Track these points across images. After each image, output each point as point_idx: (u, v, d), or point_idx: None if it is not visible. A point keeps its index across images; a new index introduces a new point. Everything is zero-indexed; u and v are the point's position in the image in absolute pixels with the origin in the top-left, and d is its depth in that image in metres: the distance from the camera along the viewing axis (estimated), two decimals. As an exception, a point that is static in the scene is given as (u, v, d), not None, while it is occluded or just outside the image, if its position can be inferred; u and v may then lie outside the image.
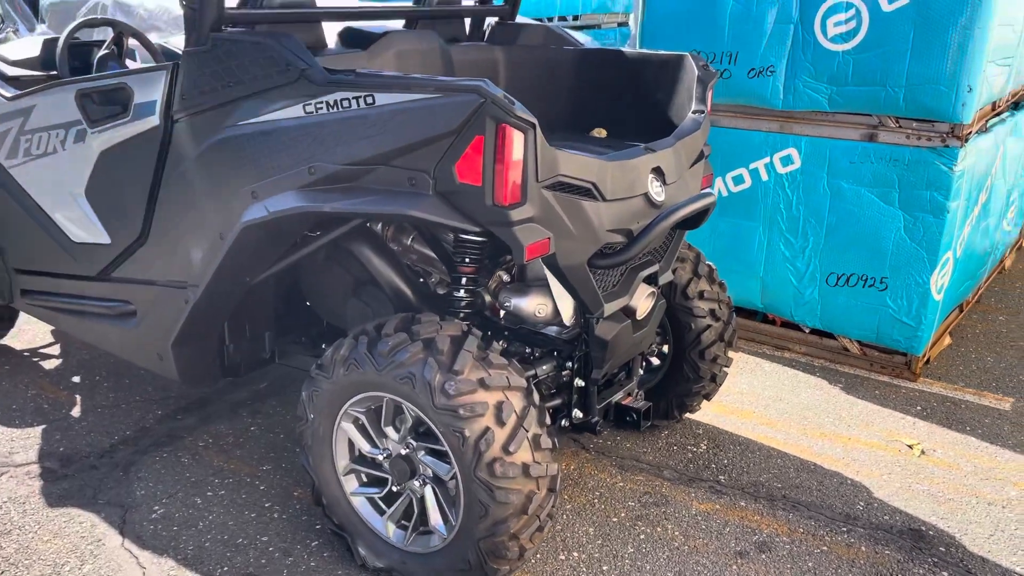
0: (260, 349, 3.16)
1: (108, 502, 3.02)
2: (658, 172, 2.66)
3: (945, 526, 2.97)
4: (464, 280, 2.70)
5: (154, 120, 2.69)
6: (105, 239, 3.01)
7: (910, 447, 3.51)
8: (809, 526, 2.95)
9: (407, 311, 2.83)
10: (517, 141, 2.19)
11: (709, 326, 3.27)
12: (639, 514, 2.99)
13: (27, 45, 3.53)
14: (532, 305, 2.70)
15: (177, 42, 3.96)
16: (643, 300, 2.78)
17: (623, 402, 2.95)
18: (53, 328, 4.45)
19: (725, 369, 3.41)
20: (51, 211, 3.15)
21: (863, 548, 2.84)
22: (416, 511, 2.54)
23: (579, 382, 2.77)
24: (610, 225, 2.49)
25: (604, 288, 2.63)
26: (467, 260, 2.68)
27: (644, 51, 3.23)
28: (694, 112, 2.96)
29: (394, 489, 2.57)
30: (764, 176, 4.23)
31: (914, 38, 3.69)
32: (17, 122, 3.11)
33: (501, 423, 2.28)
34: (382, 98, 2.28)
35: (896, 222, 3.94)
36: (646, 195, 2.61)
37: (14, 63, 3.40)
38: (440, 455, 2.45)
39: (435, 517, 2.49)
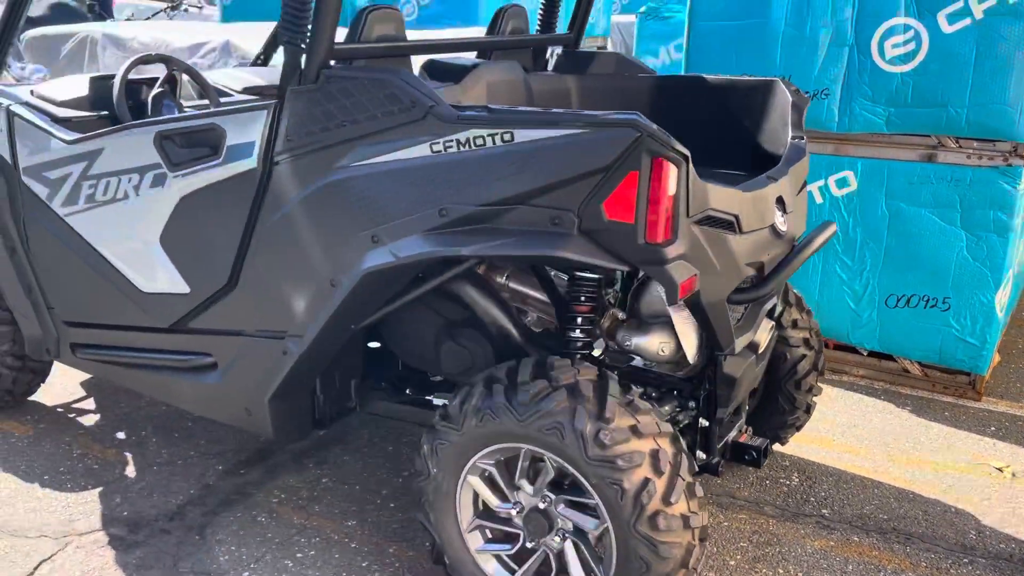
0: (347, 398, 2.99)
1: (192, 570, 2.82)
2: (780, 201, 2.59)
3: (1064, 552, 2.92)
4: (580, 320, 2.58)
5: (251, 162, 2.53)
6: (183, 288, 2.83)
7: (999, 470, 3.46)
8: (930, 559, 2.87)
9: (512, 352, 2.70)
10: (672, 175, 2.09)
11: (804, 356, 3.19)
12: (755, 555, 2.89)
13: (70, 84, 3.34)
14: (655, 344, 2.58)
15: (217, 78, 3.78)
16: (765, 333, 2.69)
17: (739, 439, 2.85)
18: (83, 380, 4.21)
19: (815, 399, 3.34)
20: (116, 260, 2.96)
21: (992, 580, 2.77)
22: (555, 568, 2.39)
23: (702, 422, 2.66)
24: (747, 258, 2.40)
25: (733, 323, 2.54)
26: (583, 299, 2.57)
27: (728, 77, 3.16)
28: (795, 138, 2.89)
29: (528, 545, 2.42)
30: (819, 199, 4.19)
31: (976, 59, 3.69)
32: (79, 167, 2.92)
33: (659, 472, 2.16)
34: (522, 134, 2.16)
35: (958, 242, 3.92)
36: (773, 226, 2.53)
37: (62, 103, 3.20)
38: (582, 507, 2.31)
39: (577, 574, 2.35)
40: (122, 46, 6.65)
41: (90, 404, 4.01)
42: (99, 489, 3.29)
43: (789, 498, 3.24)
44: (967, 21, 3.68)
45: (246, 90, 3.82)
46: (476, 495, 2.47)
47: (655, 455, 2.17)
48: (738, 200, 2.32)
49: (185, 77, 3.44)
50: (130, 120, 3.10)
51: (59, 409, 3.95)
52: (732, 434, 2.85)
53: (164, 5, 12.88)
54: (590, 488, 2.20)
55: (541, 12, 3.60)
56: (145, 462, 3.49)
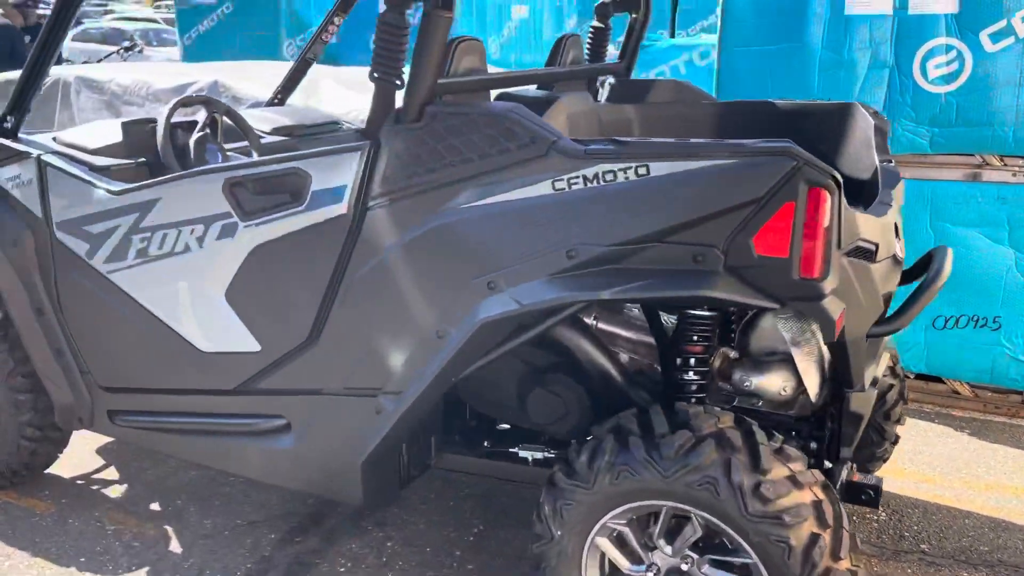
0: (426, 455, 2.78)
1: (273, 656, 2.57)
2: (895, 228, 2.49)
3: None
4: (693, 361, 2.43)
5: (340, 208, 2.33)
6: (252, 346, 2.60)
7: (1077, 490, 3.40)
8: (1049, 591, 2.77)
9: (612, 398, 2.54)
10: (828, 205, 1.96)
11: (892, 385, 3.09)
12: (871, 599, 2.75)
13: (99, 130, 3.09)
14: (777, 383, 2.44)
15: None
16: (883, 366, 2.58)
17: (852, 479, 2.71)
18: (99, 447, 3.89)
19: (900, 428, 3.23)
20: (170, 319, 2.71)
21: (1118, 610, 2.67)
22: (698, 632, 2.21)
23: (826, 463, 2.52)
24: (882, 289, 2.29)
25: (859, 358, 2.41)
26: (695, 338, 2.42)
27: (800, 102, 3.08)
28: (883, 162, 2.80)
29: (666, 609, 2.24)
30: (861, 222, 4.13)
31: (1021, 76, 3.68)
32: (128, 219, 2.68)
33: (825, 525, 2.01)
34: (658, 167, 2.02)
35: (1007, 260, 3.89)
36: (895, 254, 2.42)
37: (95, 151, 2.95)
38: (728, 565, 2.14)
39: (725, 638, 2.18)
40: (99, 89, 6.32)
41: (112, 474, 3.70)
42: (145, 569, 3.00)
43: (883, 534, 3.12)
44: (1010, 40, 3.68)
45: (275, 131, 3.61)
46: (603, 558, 2.28)
47: (818, 506, 2.02)
48: (878, 227, 2.21)
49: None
50: (177, 167, 2.88)
51: (79, 481, 3.62)
52: (845, 473, 2.72)
53: (112, 49, 12.52)
54: (747, 546, 2.03)
55: (590, 42, 3.49)
56: (189, 535, 3.20)
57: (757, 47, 4.17)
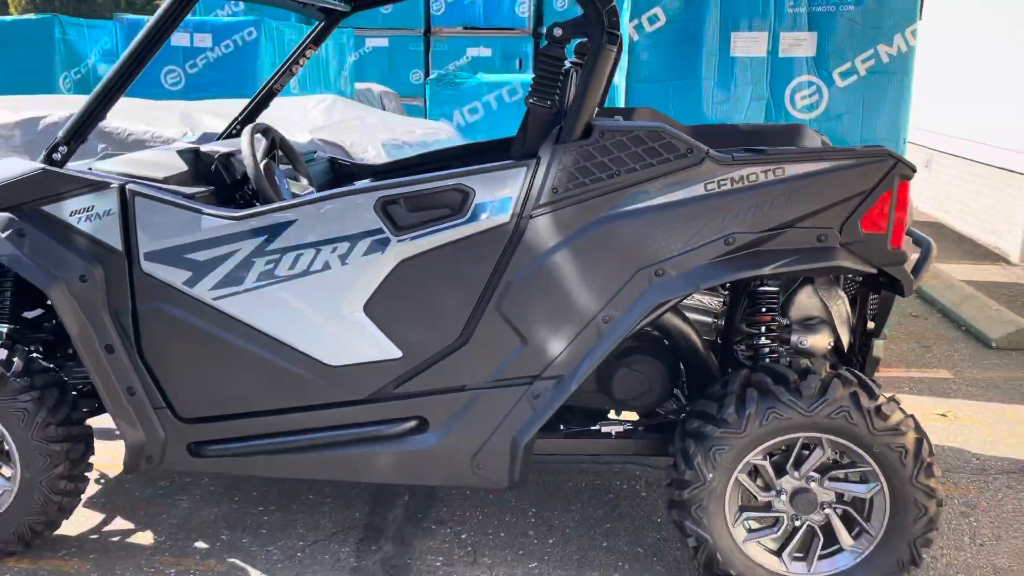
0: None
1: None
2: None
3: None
4: (764, 328, 3.03)
5: (503, 218, 2.64)
6: (391, 354, 2.77)
7: (944, 415, 4.47)
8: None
9: (697, 370, 3.07)
10: (909, 192, 2.66)
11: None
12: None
13: (151, 159, 3.01)
14: (824, 341, 3.09)
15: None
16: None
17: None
18: (85, 500, 3.61)
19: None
20: (292, 338, 2.79)
21: (1023, 488, 3.67)
22: (822, 538, 2.77)
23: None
24: (904, 259, 3.04)
25: (875, 312, 3.15)
26: (764, 310, 3.03)
27: (756, 124, 3.83)
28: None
29: (796, 524, 2.78)
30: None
31: (863, 107, 4.77)
32: (252, 243, 2.72)
33: (921, 432, 2.69)
34: (792, 169, 2.60)
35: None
36: None
37: (167, 180, 2.90)
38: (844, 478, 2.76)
39: (846, 537, 2.77)
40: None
41: (122, 524, 3.48)
42: (242, 600, 2.98)
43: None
44: (854, 78, 4.75)
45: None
46: (740, 490, 2.78)
47: (913, 418, 2.70)
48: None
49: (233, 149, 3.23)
50: (271, 192, 2.94)
51: (93, 536, 3.39)
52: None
53: None
54: (868, 457, 2.66)
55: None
56: (264, 562, 3.19)
57: (657, 83, 4.92)
